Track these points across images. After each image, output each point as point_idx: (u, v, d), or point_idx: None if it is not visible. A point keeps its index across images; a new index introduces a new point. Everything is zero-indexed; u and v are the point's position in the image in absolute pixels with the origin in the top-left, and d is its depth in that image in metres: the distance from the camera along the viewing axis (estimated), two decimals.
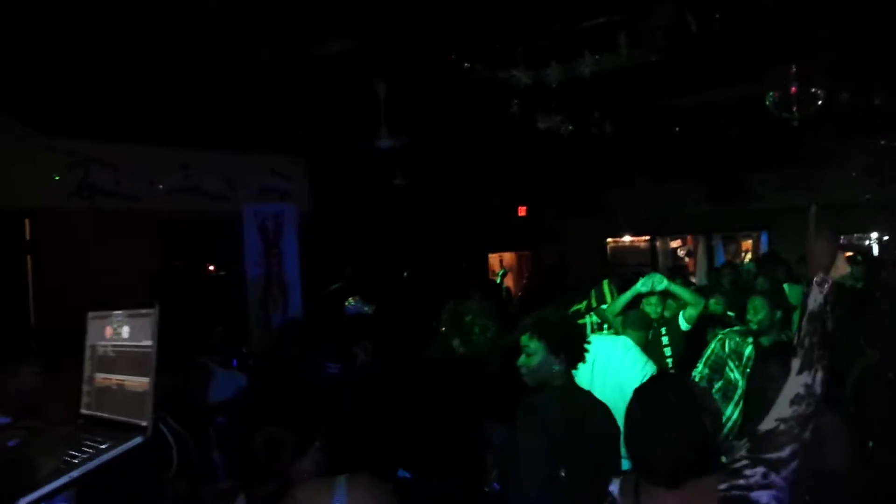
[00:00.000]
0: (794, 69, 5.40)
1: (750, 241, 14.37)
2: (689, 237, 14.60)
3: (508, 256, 14.72)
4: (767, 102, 5.74)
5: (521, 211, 13.03)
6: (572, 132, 7.54)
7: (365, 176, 9.07)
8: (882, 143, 8.99)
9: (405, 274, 9.51)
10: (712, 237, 13.77)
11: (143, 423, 1.65)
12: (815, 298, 2.06)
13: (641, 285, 5.22)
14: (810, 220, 2.26)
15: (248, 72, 6.30)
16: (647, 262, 13.83)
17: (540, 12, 4.90)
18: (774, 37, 5.50)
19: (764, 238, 13.04)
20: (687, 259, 14.60)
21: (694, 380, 4.34)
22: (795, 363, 2.02)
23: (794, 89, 5.42)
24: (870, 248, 12.19)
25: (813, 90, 5.36)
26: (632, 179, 11.75)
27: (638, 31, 5.00)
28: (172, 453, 3.11)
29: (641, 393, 2.19)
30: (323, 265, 8.48)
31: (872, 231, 11.92)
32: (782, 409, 1.99)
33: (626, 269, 12.69)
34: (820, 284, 2.07)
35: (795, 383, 2.01)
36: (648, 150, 9.63)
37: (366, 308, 6.60)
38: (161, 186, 7.31)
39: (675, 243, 15.03)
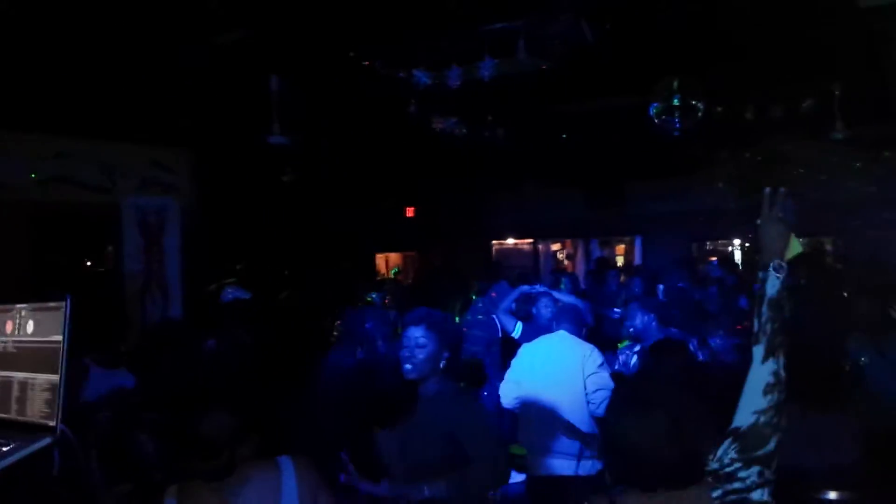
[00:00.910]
0: (678, 81, 5.72)
1: (623, 246, 15.07)
2: (568, 241, 15.15)
3: (395, 256, 14.71)
4: (652, 112, 6.06)
5: (410, 212, 13.06)
6: (466, 135, 7.67)
7: (253, 171, 8.81)
8: (747, 154, 9.69)
9: (286, 272, 9.33)
10: (590, 241, 14.35)
11: (51, 424, 1.55)
12: (773, 284, 2.03)
13: None
14: (763, 204, 2.18)
15: (134, 58, 5.97)
16: (529, 264, 14.22)
17: (442, 14, 4.94)
18: (661, 49, 5.81)
19: (638, 242, 13.71)
20: (566, 262, 15.12)
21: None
22: (758, 351, 1.98)
23: (677, 100, 5.75)
24: (732, 253, 13.13)
25: (694, 102, 5.70)
26: (518, 184, 12.04)
27: (537, 37, 5.14)
28: (54, 456, 2.91)
29: (627, 389, 2.18)
30: (207, 262, 8.16)
31: (736, 238, 12.81)
32: (756, 400, 1.94)
33: (510, 271, 13.02)
34: (777, 270, 2.04)
35: (763, 372, 1.97)
36: (535, 156, 9.91)
37: (242, 295, 6.43)
38: (34, 175, 6.77)
39: (555, 246, 15.53)
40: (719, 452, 1.92)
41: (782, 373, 1.96)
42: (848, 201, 10.28)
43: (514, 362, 4.84)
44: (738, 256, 12.83)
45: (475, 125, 7.57)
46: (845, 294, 6.43)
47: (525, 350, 4.84)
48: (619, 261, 14.95)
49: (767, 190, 2.19)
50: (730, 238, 12.98)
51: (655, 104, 6.08)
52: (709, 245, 13.62)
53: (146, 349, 5.66)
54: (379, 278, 13.12)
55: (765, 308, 2.01)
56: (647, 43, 5.87)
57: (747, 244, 12.51)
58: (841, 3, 4.93)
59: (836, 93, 6.89)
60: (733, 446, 1.92)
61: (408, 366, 3.00)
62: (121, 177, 7.52)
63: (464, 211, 12.60)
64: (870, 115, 7.34)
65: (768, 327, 1.99)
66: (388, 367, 3.94)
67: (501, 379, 4.95)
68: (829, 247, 12.01)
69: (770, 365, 1.96)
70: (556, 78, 6.58)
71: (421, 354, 2.99)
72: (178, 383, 3.42)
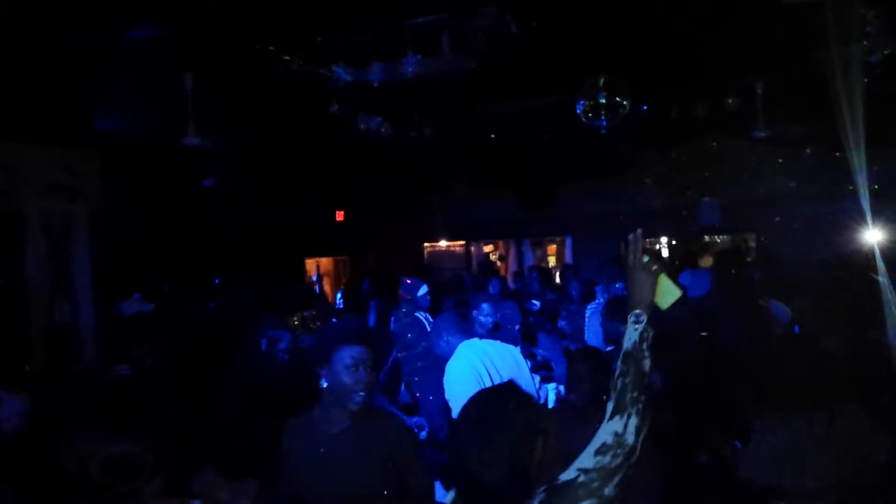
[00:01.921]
0: (604, 79, 5.66)
1: (555, 246, 15.16)
2: (500, 242, 15.14)
3: (325, 261, 14.39)
4: (578, 111, 5.99)
5: (339, 215, 12.78)
6: (393, 135, 7.47)
7: (169, 174, 8.40)
8: (674, 154, 9.81)
9: (216, 280, 8.94)
10: (522, 242, 14.36)
11: None
12: (630, 336, 1.89)
13: None
14: (626, 250, 2.07)
15: (40, 53, 5.56)
16: (462, 266, 14.13)
17: (361, 7, 4.73)
18: (586, 47, 5.75)
19: (568, 243, 13.78)
20: (499, 263, 15.11)
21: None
22: (609, 407, 1.83)
23: (603, 98, 5.69)
24: (659, 251, 13.32)
25: (620, 100, 5.66)
26: (450, 185, 11.91)
27: (461, 32, 4.99)
28: None
29: (477, 405, 1.97)
30: (120, 271, 7.72)
31: (663, 236, 13.00)
32: (586, 458, 1.78)
33: (442, 273, 12.92)
34: (636, 321, 1.91)
35: (605, 430, 1.81)
36: (466, 156, 9.79)
37: (143, 308, 6.11)
38: None
39: (488, 248, 15.50)
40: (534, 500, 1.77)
41: (628, 437, 1.78)
42: (771, 198, 10.54)
43: (457, 370, 4.66)
44: (665, 254, 13.03)
45: (402, 125, 7.37)
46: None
47: (466, 357, 4.68)
48: (552, 261, 15.05)
49: (630, 236, 2.09)
50: (658, 237, 13.16)
51: (582, 102, 6.01)
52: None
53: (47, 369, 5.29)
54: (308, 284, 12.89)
55: (619, 362, 1.88)
56: (574, 40, 5.80)
57: (674, 241, 12.72)
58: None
59: (759, 91, 6.97)
60: (541, 496, 1.75)
61: (361, 394, 2.72)
62: (23, 180, 7.02)
63: (395, 213, 12.40)
64: (792, 113, 7.47)
65: (619, 382, 1.84)
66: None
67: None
68: (751, 243, 12.30)
69: (614, 424, 1.79)
70: (484, 77, 6.46)
71: (369, 377, 2.76)
72: (70, 409, 3.12)
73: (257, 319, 4.63)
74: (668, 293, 2.02)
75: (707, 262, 10.35)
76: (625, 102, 5.78)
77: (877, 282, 5.28)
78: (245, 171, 8.83)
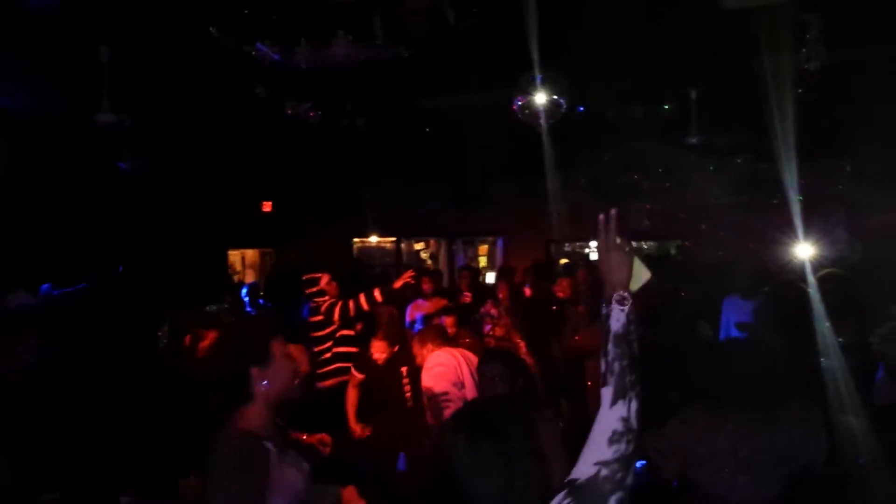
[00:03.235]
0: (542, 76, 5.53)
1: (486, 246, 15.06)
2: (432, 240, 14.94)
3: (251, 254, 13.93)
4: (515, 108, 5.85)
5: (266, 206, 12.35)
6: (324, 125, 7.17)
7: (82, 155, 7.86)
8: (606, 157, 9.81)
9: (120, 269, 8.39)
10: (454, 241, 14.20)
11: None
12: (618, 318, 1.81)
13: None
14: (598, 232, 2.00)
15: None
16: (392, 262, 13.89)
17: None
18: (524, 42, 5.60)
19: (500, 243, 13.71)
20: (429, 261, 14.93)
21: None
22: (607, 393, 1.75)
23: (541, 97, 5.56)
24: (588, 255, 13.39)
25: (556, 99, 5.54)
26: (382, 179, 11.65)
27: (395, 16, 4.76)
28: None
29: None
30: (25, 259, 7.18)
31: (594, 240, 13.04)
32: (601, 449, 1.69)
33: (372, 270, 12.66)
34: (621, 303, 1.83)
35: (611, 417, 1.72)
36: (399, 150, 9.55)
37: (28, 302, 5.67)
38: None
39: (419, 245, 15.29)
40: None
41: (633, 421, 1.72)
42: (700, 206, 10.68)
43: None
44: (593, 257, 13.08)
45: (332, 113, 7.08)
46: None
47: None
48: (482, 261, 14.95)
49: (601, 216, 2.01)
50: (587, 240, 13.22)
51: (520, 100, 5.87)
52: (567, 246, 13.84)
53: None
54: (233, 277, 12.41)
55: (610, 346, 1.79)
56: (512, 35, 5.65)
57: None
58: (705, 4, 4.88)
59: (693, 97, 6.98)
60: (566, 500, 1.66)
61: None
62: None
63: (324, 206, 12.06)
64: (724, 121, 7.53)
65: (616, 366, 1.77)
66: None
67: None
68: (672, 250, 12.48)
69: (619, 409, 1.72)
70: (420, 68, 6.26)
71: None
72: None
73: (157, 312, 4.30)
74: (638, 276, 1.95)
75: None
76: (562, 102, 5.66)
77: (805, 291, 5.33)
78: (164, 154, 8.34)
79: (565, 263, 11.58)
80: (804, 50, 4.71)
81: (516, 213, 12.01)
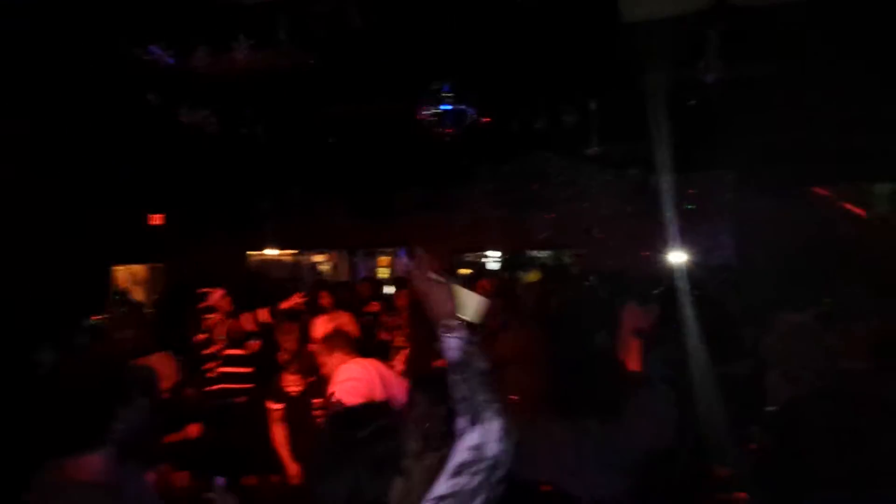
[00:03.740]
0: (448, 87, 5.51)
1: (387, 258, 14.93)
2: (333, 252, 14.66)
3: (139, 269, 13.19)
4: (420, 117, 5.79)
5: (156, 219, 11.73)
6: (220, 132, 6.86)
7: None
8: (507, 167, 9.95)
9: None
10: (355, 253, 13.99)
11: None
12: (450, 346, 1.81)
13: None
14: (415, 267, 2.00)
15: None
16: (290, 276, 13.52)
17: None
18: (430, 52, 5.56)
19: (402, 255, 13.61)
20: (330, 274, 14.63)
21: None
22: (462, 424, 1.70)
23: (446, 106, 5.53)
24: (484, 265, 13.52)
25: (464, 108, 5.52)
26: (279, 189, 11.32)
27: (300, 19, 4.59)
28: None
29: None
30: None
31: (496, 249, 13.20)
32: (440, 485, 1.61)
33: (269, 285, 12.25)
34: (449, 330, 1.83)
35: (461, 449, 1.67)
36: (298, 160, 9.29)
37: None
38: None
39: (318, 258, 14.97)
40: None
41: (488, 448, 1.66)
42: (596, 216, 11.01)
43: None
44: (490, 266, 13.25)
45: (231, 121, 6.78)
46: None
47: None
48: (384, 273, 14.80)
49: (403, 257, 2.03)
50: (489, 250, 13.35)
51: (425, 109, 5.82)
52: (468, 257, 13.92)
53: None
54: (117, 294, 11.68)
55: (452, 375, 1.79)
56: (418, 44, 5.60)
57: (507, 257, 12.95)
58: (605, 16, 4.98)
59: (592, 108, 7.15)
60: None
61: None
62: None
63: (219, 218, 11.58)
64: (622, 132, 7.74)
65: (462, 392, 1.74)
66: None
67: None
68: (567, 259, 12.79)
69: (471, 438, 1.67)
70: (322, 76, 6.10)
71: None
72: None
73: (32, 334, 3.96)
74: (467, 304, 1.96)
75: (534, 276, 10.59)
76: (469, 112, 5.65)
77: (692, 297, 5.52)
78: (42, 159, 7.74)
79: (468, 273, 11.62)
80: (701, 63, 4.89)
81: (418, 223, 11.98)
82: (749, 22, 4.51)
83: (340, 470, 1.62)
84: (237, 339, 6.04)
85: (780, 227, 9.10)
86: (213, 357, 6.05)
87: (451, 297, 1.92)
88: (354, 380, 4.33)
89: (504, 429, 1.68)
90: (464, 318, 1.91)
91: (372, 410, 1.83)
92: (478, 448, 1.64)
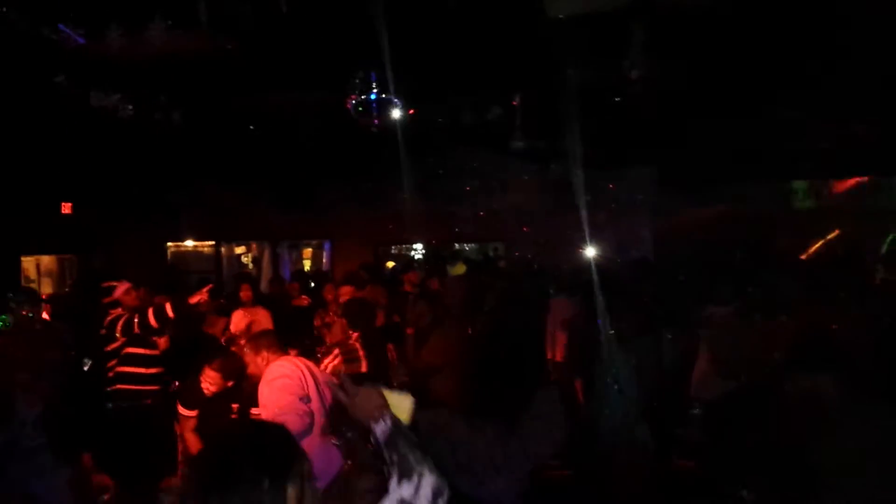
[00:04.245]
0: (375, 76, 5.44)
1: (311, 250, 14.72)
2: (254, 244, 14.33)
3: (48, 260, 12.57)
4: (346, 108, 5.71)
5: (66, 208, 11.18)
6: (134, 118, 6.59)
7: None
8: (431, 160, 9.93)
9: None
10: (279, 244, 13.71)
11: None
12: (381, 431, 1.85)
13: None
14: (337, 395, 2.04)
15: None
16: (211, 269, 13.14)
17: None
18: (355, 43, 5.48)
19: (326, 247, 13.43)
20: (251, 266, 14.32)
21: None
22: (393, 474, 1.75)
23: (372, 95, 5.47)
24: (413, 258, 13.50)
25: (390, 98, 5.47)
26: (199, 178, 10.97)
27: (221, 3, 4.43)
28: None
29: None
30: None
31: (419, 241, 13.18)
32: None
33: (189, 277, 11.87)
34: (378, 424, 1.87)
35: (391, 500, 1.72)
36: (219, 148, 9.02)
37: None
38: None
39: (239, 250, 14.61)
40: None
41: (420, 501, 1.72)
42: (519, 210, 11.13)
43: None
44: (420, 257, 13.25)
45: (146, 107, 6.51)
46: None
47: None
48: (307, 265, 14.58)
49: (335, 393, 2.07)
50: (414, 243, 13.34)
51: (352, 99, 5.73)
52: (393, 249, 13.87)
53: None
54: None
55: (384, 452, 1.82)
56: (343, 34, 5.51)
57: (430, 249, 12.94)
58: (530, 12, 5.01)
59: (516, 103, 7.20)
60: None
61: None
62: None
63: (134, 208, 11.14)
64: (545, 127, 7.83)
65: (394, 459, 1.78)
66: None
67: None
68: (491, 252, 12.90)
69: (402, 490, 1.72)
70: (244, 62, 5.93)
71: None
72: None
73: None
74: (400, 405, 2.04)
75: (459, 269, 10.63)
76: (395, 102, 5.61)
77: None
78: None
79: (393, 267, 11.57)
80: (627, 59, 4.98)
81: (343, 215, 11.84)
82: (671, 20, 4.61)
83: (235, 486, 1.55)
84: (137, 337, 5.68)
85: (698, 222, 9.42)
86: (112, 355, 5.66)
87: (376, 399, 1.95)
88: (286, 377, 4.07)
89: (437, 486, 1.72)
90: (404, 420, 1.96)
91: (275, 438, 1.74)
92: (406, 502, 1.68)
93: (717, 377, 3.57)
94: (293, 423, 3.76)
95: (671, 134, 7.69)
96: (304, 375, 4.10)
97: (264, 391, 4.04)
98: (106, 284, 5.75)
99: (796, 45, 5.23)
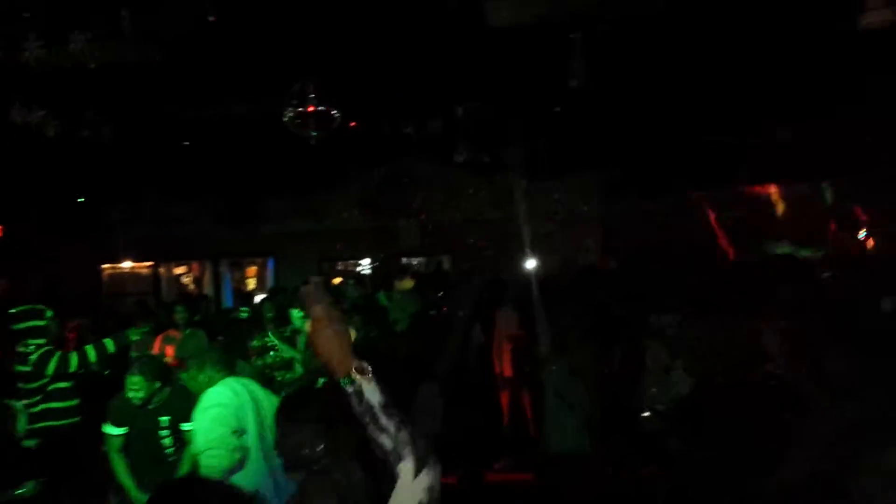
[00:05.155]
0: (312, 87, 5.28)
1: (255, 268, 14.39)
2: (195, 264, 13.93)
3: None
4: (285, 119, 5.52)
5: None
6: (61, 134, 6.26)
7: None
8: (376, 174, 9.81)
9: None
10: (220, 263, 13.35)
11: None
12: (371, 391, 1.61)
13: None
14: (307, 297, 1.75)
15: None
16: (149, 290, 12.70)
17: None
18: (292, 51, 5.32)
19: (270, 264, 13.13)
20: (192, 287, 13.92)
21: None
22: (406, 468, 1.57)
23: (311, 107, 5.30)
24: (361, 273, 13.28)
25: (329, 109, 5.32)
26: (134, 196, 10.59)
27: (146, 8, 4.21)
28: None
29: None
30: None
31: (365, 257, 12.99)
32: None
33: (126, 300, 11.45)
34: (363, 373, 1.62)
35: (416, 489, 1.56)
36: (154, 164, 8.71)
37: None
38: None
39: (179, 270, 14.19)
40: None
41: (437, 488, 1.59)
42: (465, 221, 11.08)
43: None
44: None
45: (72, 122, 6.20)
46: None
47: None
48: (251, 284, 14.24)
49: (314, 280, 1.81)
50: (360, 258, 13.14)
51: (288, 110, 5.54)
52: (339, 265, 13.64)
53: None
54: None
55: (383, 419, 1.59)
56: (282, 41, 5.34)
57: (377, 264, 12.76)
58: (472, 20, 4.94)
59: (460, 114, 7.13)
60: None
61: None
62: None
63: (67, 228, 10.68)
64: (489, 138, 7.78)
65: (403, 435, 1.59)
66: None
67: None
68: (446, 265, 12.79)
69: (423, 479, 1.57)
70: (178, 73, 5.71)
71: None
72: None
73: None
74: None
75: (407, 284, 10.48)
76: (333, 113, 5.45)
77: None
78: None
79: (339, 282, 11.35)
80: (568, 69, 4.94)
81: (286, 231, 11.60)
82: (612, 30, 4.60)
83: None
84: (70, 375, 5.27)
85: (643, 231, 9.49)
86: (36, 391, 5.27)
87: (340, 340, 1.67)
88: (221, 406, 3.73)
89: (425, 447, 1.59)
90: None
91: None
92: (432, 489, 1.57)
93: (688, 378, 3.52)
94: (220, 459, 3.52)
95: (615, 143, 7.73)
96: (243, 404, 3.83)
97: (197, 418, 3.78)
98: (19, 310, 5.33)
99: (735, 53, 5.29)
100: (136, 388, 4.30)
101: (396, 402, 1.61)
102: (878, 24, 4.48)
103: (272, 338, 6.24)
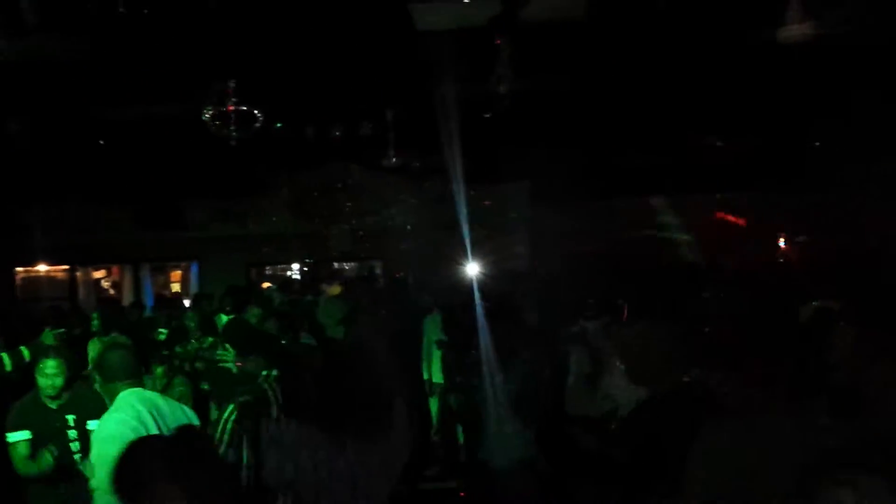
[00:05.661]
0: (233, 86, 5.15)
1: (179, 272, 14.01)
2: (115, 267, 13.46)
3: None
4: (204, 118, 5.37)
5: None
6: None
7: None
8: (305, 179, 9.67)
9: None
10: (140, 267, 12.92)
11: None
12: None
13: None
14: None
15: None
16: (65, 295, 12.18)
17: None
18: (216, 51, 5.17)
19: (194, 269, 12.80)
20: (112, 291, 13.44)
21: None
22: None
23: (230, 107, 5.17)
24: (291, 278, 13.07)
25: (250, 109, 5.19)
26: (49, 197, 10.15)
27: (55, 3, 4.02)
28: None
29: None
30: None
31: (295, 263, 12.80)
32: None
33: (40, 305, 10.96)
34: None
35: None
36: (71, 165, 8.36)
37: None
38: None
39: (98, 273, 13.69)
40: None
41: None
42: (396, 227, 11.02)
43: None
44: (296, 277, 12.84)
45: None
46: None
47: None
48: (176, 287, 13.86)
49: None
50: (289, 263, 12.93)
51: (207, 109, 5.39)
52: (267, 270, 13.40)
53: None
54: None
55: None
56: (203, 40, 5.19)
57: (306, 268, 12.58)
58: (400, 23, 4.91)
59: (389, 119, 7.09)
60: None
61: None
62: None
63: None
64: (418, 143, 7.77)
65: None
66: None
67: None
68: (378, 270, 12.71)
69: None
70: (96, 73, 5.49)
71: None
72: None
73: None
74: None
75: (335, 289, 10.36)
76: (256, 114, 5.33)
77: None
78: None
79: (268, 288, 11.13)
80: (494, 74, 4.96)
81: (212, 235, 11.30)
82: (538, 36, 4.64)
83: None
84: None
85: (572, 238, 9.61)
86: None
87: None
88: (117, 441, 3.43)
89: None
90: None
91: None
92: None
93: (630, 385, 3.53)
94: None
95: (543, 149, 7.81)
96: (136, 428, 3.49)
97: (93, 448, 3.45)
98: None
99: (661, 60, 5.40)
100: (53, 372, 4.03)
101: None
102: (796, 38, 4.65)
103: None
